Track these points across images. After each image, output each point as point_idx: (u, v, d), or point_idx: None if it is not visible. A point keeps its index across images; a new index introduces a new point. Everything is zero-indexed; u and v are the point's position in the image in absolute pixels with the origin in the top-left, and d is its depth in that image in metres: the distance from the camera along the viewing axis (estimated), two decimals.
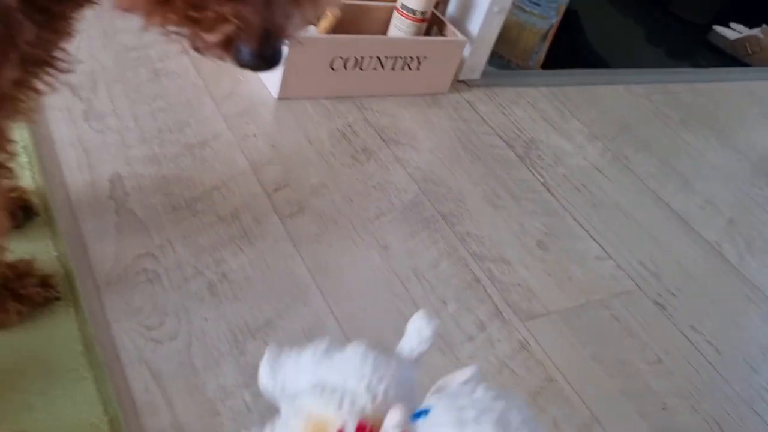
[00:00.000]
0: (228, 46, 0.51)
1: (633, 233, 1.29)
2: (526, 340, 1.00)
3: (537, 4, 1.71)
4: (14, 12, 0.52)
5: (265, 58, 0.51)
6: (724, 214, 1.44)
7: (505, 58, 1.77)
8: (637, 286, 1.17)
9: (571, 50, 2.04)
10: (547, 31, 1.77)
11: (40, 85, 0.62)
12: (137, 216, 0.98)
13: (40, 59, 0.60)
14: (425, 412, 0.47)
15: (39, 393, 0.72)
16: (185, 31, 0.52)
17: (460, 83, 1.57)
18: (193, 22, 0.50)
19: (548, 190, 1.33)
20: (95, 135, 1.09)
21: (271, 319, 0.90)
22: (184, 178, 1.07)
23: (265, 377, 0.59)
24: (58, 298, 0.82)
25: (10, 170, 0.70)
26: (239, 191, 1.08)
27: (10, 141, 0.67)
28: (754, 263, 1.32)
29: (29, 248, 0.87)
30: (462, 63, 1.53)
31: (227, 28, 0.50)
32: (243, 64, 0.52)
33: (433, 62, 1.44)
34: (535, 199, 1.30)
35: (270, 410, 0.79)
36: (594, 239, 1.24)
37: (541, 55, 1.82)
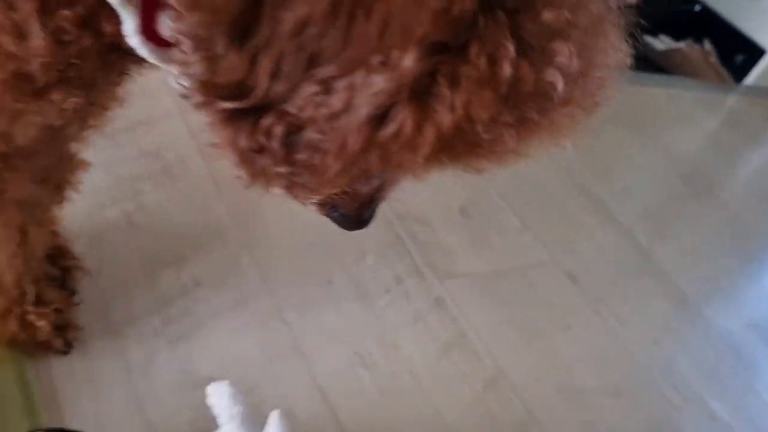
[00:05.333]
0: (323, 207, 0.52)
1: (552, 212, 1.34)
2: (442, 298, 1.02)
3: None
4: None
5: (361, 223, 0.53)
6: (639, 202, 1.51)
7: None
8: (552, 258, 1.21)
9: None
10: None
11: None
12: None
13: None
14: None
15: None
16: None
17: None
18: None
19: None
20: None
21: (185, 255, 0.89)
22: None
23: None
24: None
25: None
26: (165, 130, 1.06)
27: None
28: (662, 249, 1.38)
29: None
30: None
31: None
32: (338, 224, 0.53)
33: None
34: (461, 174, 1.32)
35: (178, 337, 0.78)
36: (515, 213, 1.27)
37: None
